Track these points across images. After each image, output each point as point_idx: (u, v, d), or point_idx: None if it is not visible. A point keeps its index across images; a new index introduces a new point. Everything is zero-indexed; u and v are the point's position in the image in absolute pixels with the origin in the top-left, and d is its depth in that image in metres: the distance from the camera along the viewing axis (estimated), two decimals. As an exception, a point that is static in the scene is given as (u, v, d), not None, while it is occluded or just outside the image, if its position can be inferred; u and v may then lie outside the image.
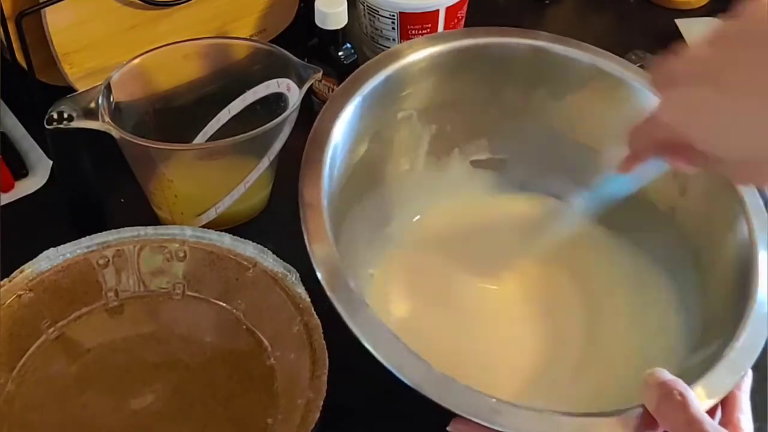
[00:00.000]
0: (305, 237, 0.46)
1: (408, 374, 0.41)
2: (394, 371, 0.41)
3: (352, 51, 0.69)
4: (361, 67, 0.55)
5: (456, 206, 0.61)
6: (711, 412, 0.43)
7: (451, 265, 0.58)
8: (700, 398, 0.42)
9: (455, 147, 0.61)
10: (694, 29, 0.80)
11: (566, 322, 0.56)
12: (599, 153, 0.58)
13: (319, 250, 0.46)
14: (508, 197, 0.62)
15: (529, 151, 0.61)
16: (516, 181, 0.62)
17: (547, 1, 0.87)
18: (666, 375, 0.42)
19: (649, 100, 0.55)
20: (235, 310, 0.55)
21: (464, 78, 0.58)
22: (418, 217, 0.61)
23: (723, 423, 0.43)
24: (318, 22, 0.67)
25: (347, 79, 0.54)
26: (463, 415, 0.41)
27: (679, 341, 0.52)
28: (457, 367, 0.43)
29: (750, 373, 0.45)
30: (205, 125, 0.63)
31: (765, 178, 0.42)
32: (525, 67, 0.58)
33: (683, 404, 0.40)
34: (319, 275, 0.45)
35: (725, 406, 0.44)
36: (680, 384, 0.41)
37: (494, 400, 0.41)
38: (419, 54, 0.56)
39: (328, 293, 0.44)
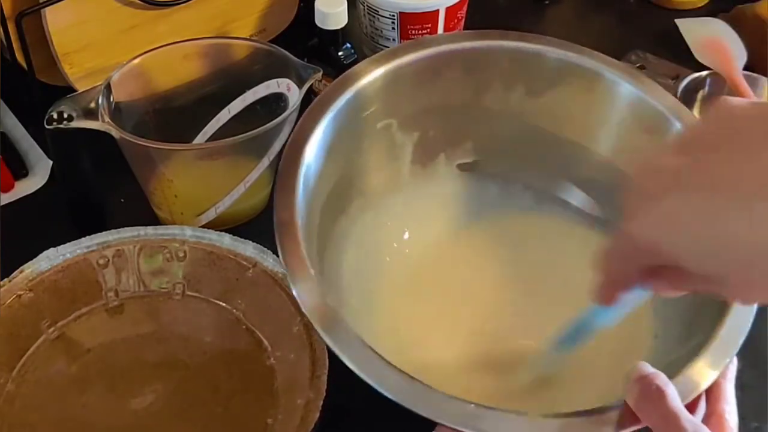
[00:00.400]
0: (280, 256, 0.46)
1: (386, 385, 0.41)
2: (372, 383, 0.41)
3: (352, 51, 0.69)
4: (334, 81, 0.54)
5: (447, 216, 0.61)
6: (695, 402, 0.43)
7: (442, 275, 0.58)
8: (688, 385, 0.42)
9: (440, 152, 0.61)
10: (693, 29, 0.80)
11: (548, 321, 0.55)
12: (584, 147, 0.58)
13: (296, 268, 0.45)
14: (500, 208, 0.62)
15: (514, 150, 0.60)
16: (505, 181, 0.62)
17: (546, 2, 0.87)
18: (647, 369, 0.41)
19: (625, 89, 0.56)
20: (235, 310, 0.56)
21: (441, 83, 0.57)
22: (406, 233, 0.60)
23: (707, 413, 0.43)
24: (318, 22, 0.67)
25: (320, 95, 0.53)
26: (443, 422, 0.41)
27: (663, 338, 0.52)
28: (447, 382, 0.43)
29: (735, 360, 0.45)
30: (205, 125, 0.63)
31: (761, 293, 0.36)
32: (500, 68, 0.58)
33: (661, 399, 0.40)
34: (294, 292, 0.44)
35: (709, 396, 0.43)
36: (661, 378, 0.41)
37: (473, 405, 0.41)
38: (387, 66, 0.55)
39: (303, 309, 0.44)
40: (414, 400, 0.41)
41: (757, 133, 0.33)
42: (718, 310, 0.46)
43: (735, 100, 0.35)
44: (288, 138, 0.52)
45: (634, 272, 0.39)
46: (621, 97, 0.56)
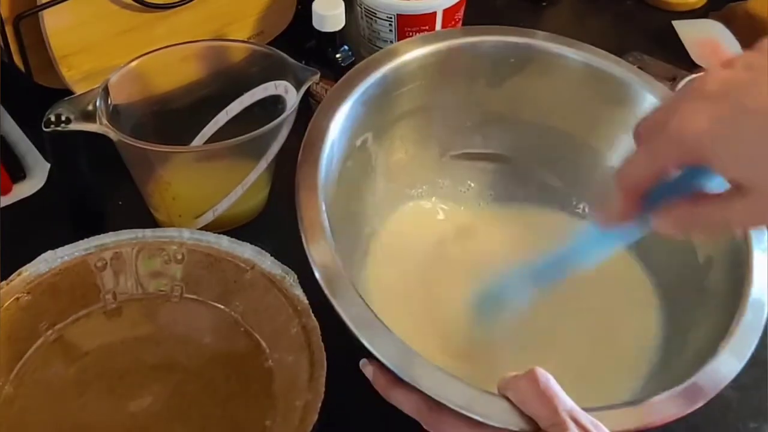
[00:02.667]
0: (300, 227, 0.46)
1: (378, 347, 0.42)
2: (363, 341, 0.42)
3: (350, 53, 0.69)
4: (354, 67, 0.55)
5: (454, 204, 0.62)
6: None
7: (444, 264, 0.58)
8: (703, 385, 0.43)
9: (452, 142, 0.61)
10: (690, 30, 0.80)
11: (549, 322, 0.56)
12: (596, 150, 0.59)
13: (312, 226, 0.46)
14: (505, 203, 0.62)
15: (524, 144, 0.61)
16: (513, 175, 0.62)
17: (544, 3, 0.88)
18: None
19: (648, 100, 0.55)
20: (233, 312, 0.56)
21: (455, 76, 0.58)
22: (411, 219, 0.61)
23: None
24: (315, 24, 0.67)
25: (342, 79, 0.54)
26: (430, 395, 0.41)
27: (661, 340, 0.53)
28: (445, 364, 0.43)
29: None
30: (203, 127, 0.63)
31: None
32: (509, 63, 0.58)
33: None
34: (316, 273, 0.45)
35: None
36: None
37: (470, 387, 0.41)
38: (416, 52, 0.56)
39: (313, 266, 0.44)
40: (409, 371, 0.41)
41: None
42: (727, 313, 0.46)
43: None
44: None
45: (654, 175, 0.39)
46: (645, 109, 0.56)
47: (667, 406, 0.43)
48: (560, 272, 0.48)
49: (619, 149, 0.58)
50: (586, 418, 0.39)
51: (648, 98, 0.56)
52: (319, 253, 0.45)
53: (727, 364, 0.44)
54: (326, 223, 0.46)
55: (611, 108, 0.57)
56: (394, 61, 0.55)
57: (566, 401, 0.39)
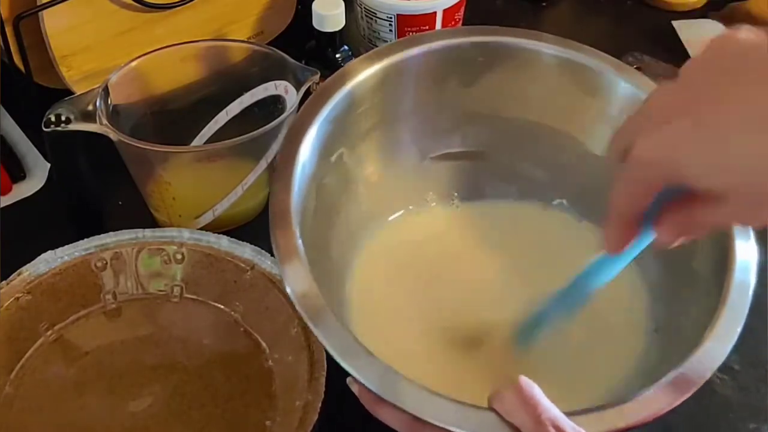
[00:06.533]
0: (276, 256, 0.46)
1: (361, 372, 0.42)
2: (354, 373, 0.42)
3: (350, 53, 0.69)
4: (319, 86, 0.54)
5: (438, 211, 0.62)
6: None
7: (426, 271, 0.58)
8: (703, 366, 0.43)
9: (431, 145, 0.61)
10: (690, 30, 0.80)
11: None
12: (576, 140, 0.59)
13: (287, 254, 0.45)
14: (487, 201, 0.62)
15: (504, 139, 0.61)
16: (495, 171, 0.62)
17: (544, 4, 0.88)
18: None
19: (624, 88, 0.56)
20: (233, 312, 0.56)
21: (424, 81, 0.58)
22: (393, 221, 0.60)
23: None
24: (315, 24, 0.67)
25: (308, 101, 0.53)
26: (426, 419, 0.41)
27: (653, 330, 0.53)
28: (430, 375, 0.43)
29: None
30: (203, 128, 0.63)
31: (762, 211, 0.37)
32: (478, 62, 0.58)
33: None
34: (289, 289, 0.45)
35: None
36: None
37: (455, 403, 0.41)
38: (381, 63, 0.55)
39: (292, 298, 0.44)
40: (393, 393, 0.41)
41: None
42: (712, 304, 0.46)
43: (740, 32, 0.35)
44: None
45: (641, 200, 0.39)
46: (621, 96, 0.56)
47: (653, 401, 0.42)
48: (583, 296, 0.49)
49: (598, 137, 0.58)
50: (568, 425, 0.39)
51: (622, 85, 0.56)
52: (298, 282, 0.44)
53: (713, 351, 0.44)
54: (302, 251, 0.45)
55: (587, 97, 0.57)
56: (357, 76, 0.54)
57: (550, 409, 0.39)
